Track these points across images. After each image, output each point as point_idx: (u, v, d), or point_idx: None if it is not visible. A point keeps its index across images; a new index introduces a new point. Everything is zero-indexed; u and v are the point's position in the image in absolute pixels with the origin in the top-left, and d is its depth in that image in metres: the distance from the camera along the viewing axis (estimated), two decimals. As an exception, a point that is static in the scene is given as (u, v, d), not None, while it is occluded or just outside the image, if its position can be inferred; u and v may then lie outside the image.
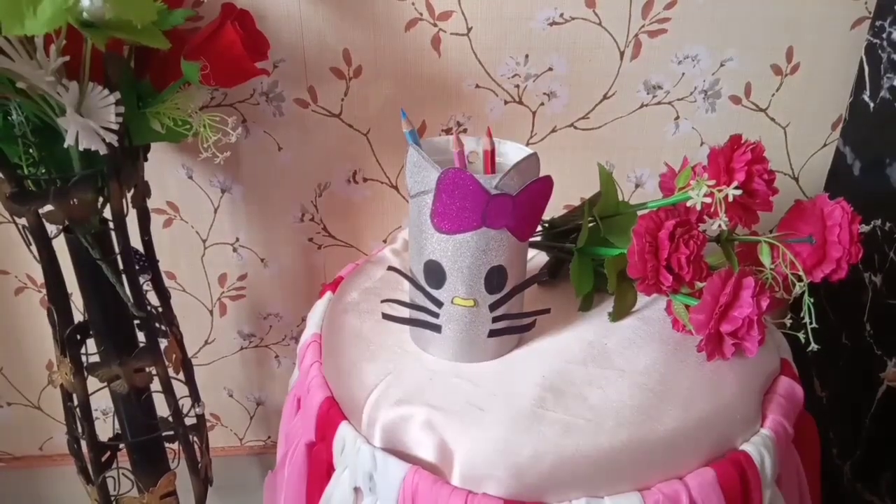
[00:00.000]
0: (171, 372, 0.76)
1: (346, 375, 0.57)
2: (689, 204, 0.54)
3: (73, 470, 0.80)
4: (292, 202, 0.89)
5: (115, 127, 0.58)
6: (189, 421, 0.82)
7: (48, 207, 0.63)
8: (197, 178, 0.86)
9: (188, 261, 0.91)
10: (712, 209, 0.53)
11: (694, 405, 0.52)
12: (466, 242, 0.51)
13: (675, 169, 0.66)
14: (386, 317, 0.58)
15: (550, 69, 0.82)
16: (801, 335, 0.56)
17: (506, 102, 0.84)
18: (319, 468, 0.56)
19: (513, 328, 0.57)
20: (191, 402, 0.83)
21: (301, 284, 0.94)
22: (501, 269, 0.53)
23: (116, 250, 0.68)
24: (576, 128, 0.86)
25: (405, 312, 0.58)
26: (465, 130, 0.85)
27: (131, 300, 0.69)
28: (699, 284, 0.55)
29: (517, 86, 0.83)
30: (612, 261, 0.59)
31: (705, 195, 0.53)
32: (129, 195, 0.69)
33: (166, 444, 0.83)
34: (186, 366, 0.82)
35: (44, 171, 0.63)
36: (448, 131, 0.85)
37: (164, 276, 0.91)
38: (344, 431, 0.54)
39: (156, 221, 0.88)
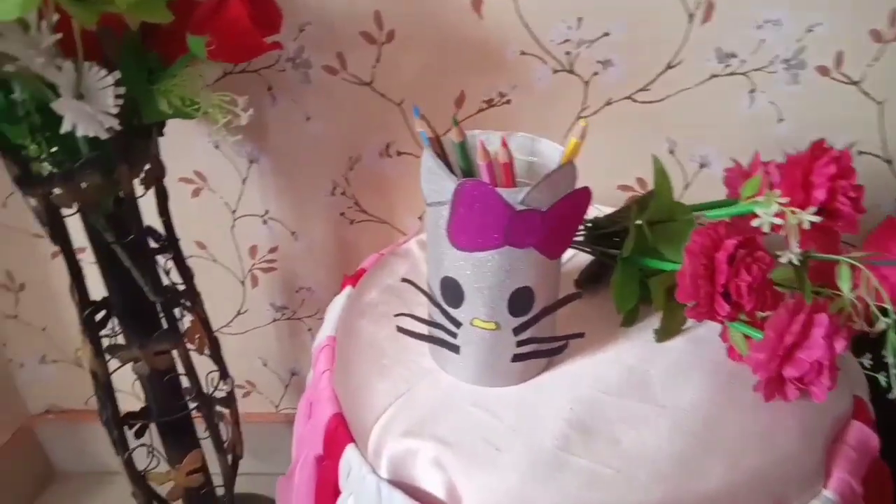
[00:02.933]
0: (195, 352, 0.74)
1: (355, 392, 0.51)
2: (754, 224, 0.44)
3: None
4: (322, 175, 0.82)
5: (114, 111, 0.52)
6: (220, 394, 0.80)
7: (58, 189, 0.59)
8: (224, 148, 0.81)
9: (218, 231, 0.87)
10: (783, 232, 0.43)
11: (744, 458, 0.45)
12: (487, 262, 0.44)
13: (743, 165, 0.56)
14: (401, 330, 0.52)
15: (606, 34, 0.71)
16: (881, 377, 0.47)
17: (555, 71, 0.74)
18: (327, 486, 0.52)
19: (540, 352, 0.50)
20: (218, 379, 0.81)
21: (333, 260, 0.89)
22: (527, 291, 0.46)
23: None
24: (634, 100, 0.75)
25: (423, 326, 0.52)
26: (508, 102, 0.76)
27: (146, 285, 0.65)
28: (762, 314, 0.47)
29: (568, 53, 0.73)
30: (659, 279, 0.51)
31: (775, 214, 0.43)
32: (141, 175, 0.64)
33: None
34: (213, 343, 0.79)
35: (51, 153, 0.59)
36: (490, 103, 0.76)
37: (195, 245, 0.88)
38: (350, 455, 0.49)
39: (184, 191, 0.84)
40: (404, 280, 0.52)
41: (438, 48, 0.73)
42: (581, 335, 0.50)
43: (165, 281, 0.73)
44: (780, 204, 0.43)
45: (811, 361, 0.43)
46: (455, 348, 0.49)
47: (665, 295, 0.52)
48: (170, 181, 0.82)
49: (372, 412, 0.49)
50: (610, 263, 0.57)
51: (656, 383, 0.50)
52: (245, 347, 0.97)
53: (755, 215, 0.47)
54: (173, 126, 0.65)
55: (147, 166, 0.64)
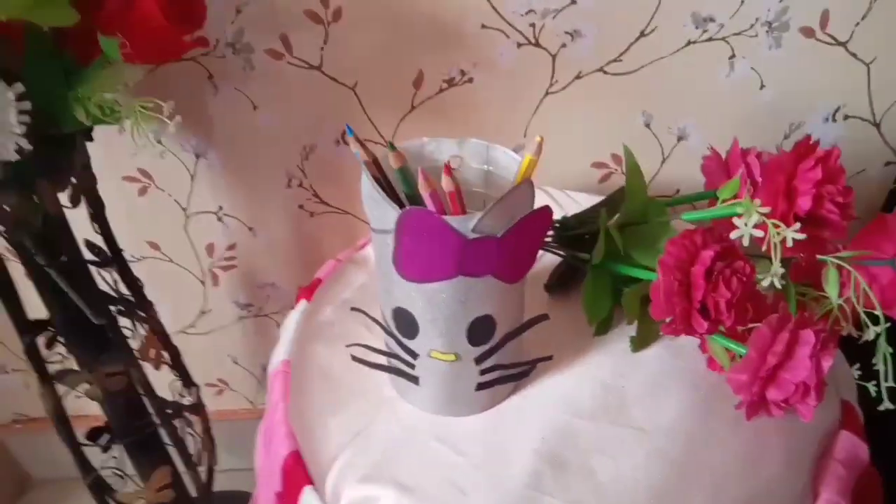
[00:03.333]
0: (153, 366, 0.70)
1: (311, 428, 0.47)
2: (732, 236, 0.40)
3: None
4: (276, 167, 0.76)
5: (19, 129, 0.47)
6: (187, 401, 0.77)
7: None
8: (167, 143, 0.75)
9: (171, 231, 0.82)
10: (764, 247, 0.39)
11: (727, 487, 0.42)
12: (440, 292, 0.40)
13: (721, 153, 0.52)
14: (357, 360, 0.48)
15: (573, 2, 0.65)
16: (871, 387, 0.44)
17: (519, 45, 0.68)
18: (288, 524, 0.49)
19: (506, 377, 0.46)
20: (182, 388, 0.77)
21: (295, 254, 0.84)
22: (488, 319, 0.42)
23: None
24: (605, 73, 0.70)
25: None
26: (470, 80, 0.70)
27: (87, 308, 0.60)
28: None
29: (532, 24, 0.67)
30: (632, 290, 0.46)
31: (756, 225, 0.39)
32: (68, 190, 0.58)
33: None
34: (172, 353, 0.75)
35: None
36: (450, 82, 0.70)
37: (147, 245, 0.83)
38: (308, 499, 0.45)
39: (129, 190, 0.78)
40: (354, 309, 0.47)
41: (391, 25, 0.67)
42: (549, 358, 0.46)
43: (115, 292, 0.68)
44: (761, 213, 0.38)
45: (796, 383, 0.40)
46: (414, 379, 0.45)
47: (640, 304, 0.48)
48: (112, 181, 0.77)
49: (329, 451, 0.45)
50: (580, 266, 0.53)
51: (633, 401, 0.47)
52: (213, 347, 0.93)
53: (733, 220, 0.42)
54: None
55: (74, 178, 0.58)
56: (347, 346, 0.47)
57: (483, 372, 0.44)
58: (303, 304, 0.58)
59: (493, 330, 0.42)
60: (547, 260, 0.57)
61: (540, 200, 0.39)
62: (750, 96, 0.71)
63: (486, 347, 0.43)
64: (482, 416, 0.46)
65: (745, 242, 0.39)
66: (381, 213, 0.39)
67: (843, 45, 0.68)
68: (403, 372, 0.45)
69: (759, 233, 0.38)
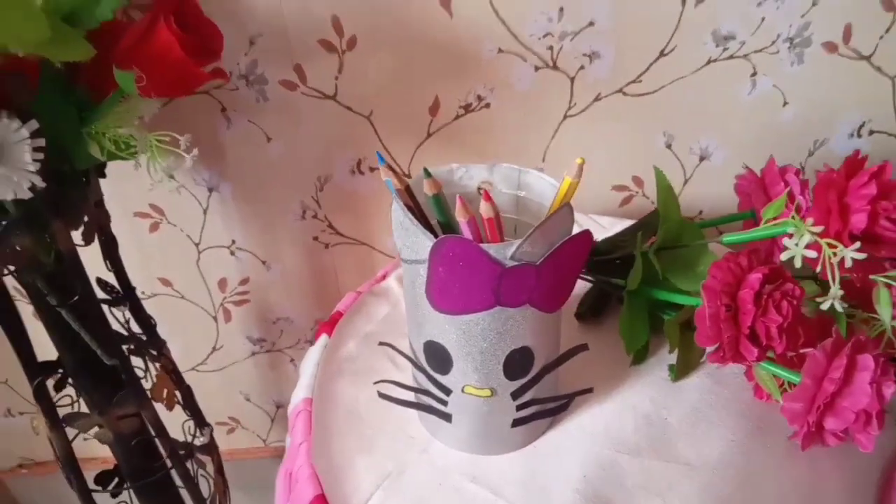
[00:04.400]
0: (165, 406, 0.67)
1: (337, 471, 0.45)
2: (783, 258, 0.38)
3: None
4: (290, 199, 0.75)
5: (33, 167, 0.45)
6: (200, 441, 0.74)
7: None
8: (179, 177, 0.74)
9: (183, 266, 0.80)
10: (818, 268, 0.37)
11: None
12: (476, 324, 0.38)
13: (756, 170, 0.50)
14: (384, 396, 0.46)
15: (591, 24, 0.64)
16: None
17: (536, 69, 0.67)
18: (315, 573, 0.46)
19: (544, 412, 0.44)
20: (195, 428, 0.75)
21: (310, 287, 0.82)
22: (525, 351, 0.40)
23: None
24: (625, 94, 0.69)
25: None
26: (487, 105, 0.69)
27: (98, 348, 0.58)
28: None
29: (550, 47, 0.66)
30: (673, 320, 0.45)
31: (808, 245, 0.37)
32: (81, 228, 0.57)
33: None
34: (185, 392, 0.73)
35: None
36: (467, 108, 0.69)
37: (158, 282, 0.82)
38: (336, 546, 0.43)
39: (141, 226, 0.77)
40: (383, 344, 0.45)
41: (406, 52, 0.66)
42: (589, 390, 0.44)
43: (127, 331, 0.67)
44: (813, 233, 0.36)
45: (856, 411, 0.38)
46: (447, 416, 0.43)
47: (680, 331, 0.46)
48: (124, 217, 0.75)
49: (358, 495, 0.43)
50: (613, 292, 0.51)
51: (678, 434, 0.45)
52: (225, 384, 0.91)
53: (779, 240, 0.40)
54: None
55: (87, 215, 0.57)
56: (375, 382, 0.45)
57: (520, 407, 0.42)
58: (323, 338, 0.56)
59: (531, 362, 0.40)
60: (577, 287, 0.55)
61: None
62: (773, 113, 0.70)
63: (523, 381, 0.41)
64: (519, 455, 0.44)
65: (797, 264, 0.37)
66: (413, 242, 0.37)
67: (867, 59, 0.67)
68: (435, 409, 0.43)
69: (811, 253, 0.36)
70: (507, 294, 0.36)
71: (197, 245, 0.78)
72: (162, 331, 0.85)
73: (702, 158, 0.73)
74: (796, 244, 0.37)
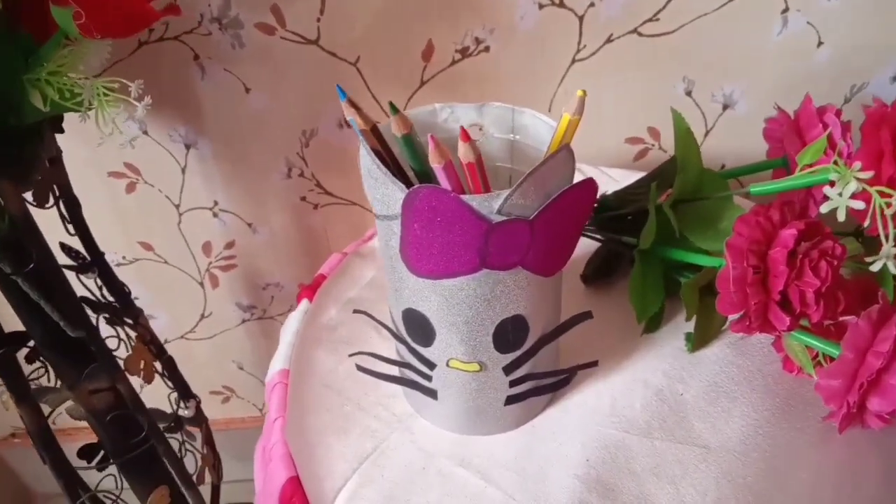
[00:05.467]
0: (143, 379, 0.64)
1: (312, 451, 0.41)
2: (823, 210, 0.32)
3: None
4: (274, 156, 0.70)
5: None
6: (188, 412, 0.71)
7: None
8: (153, 133, 0.69)
9: (164, 229, 0.76)
10: (867, 223, 0.31)
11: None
12: (460, 290, 0.33)
13: (789, 112, 0.44)
14: (362, 370, 0.41)
15: (602, -47, 0.58)
16: None
17: (541, 6, 0.60)
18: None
19: (541, 388, 0.39)
20: (178, 400, 0.71)
21: (300, 250, 0.77)
22: (518, 320, 0.35)
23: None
24: (640, 34, 0.62)
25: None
26: (487, 49, 0.63)
27: (62, 319, 0.54)
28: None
29: (556, -19, 0.60)
30: (691, 283, 0.39)
31: (853, 195, 0.31)
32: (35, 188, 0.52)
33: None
34: (167, 364, 0.69)
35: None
36: (465, 52, 0.63)
37: (139, 246, 0.77)
38: (310, 536, 0.39)
39: (117, 187, 0.72)
40: (358, 311, 0.41)
41: (394, -11, 0.60)
42: (594, 364, 0.39)
43: (98, 299, 0.62)
44: (860, 180, 0.30)
45: (906, 390, 0.32)
46: (432, 393, 0.38)
47: (699, 295, 0.41)
48: (98, 177, 0.71)
49: (333, 478, 0.39)
50: (624, 252, 0.46)
51: (694, 411, 0.40)
52: (216, 352, 0.87)
53: (814, 190, 0.35)
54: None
55: (40, 175, 0.52)
56: (351, 354, 0.40)
57: (513, 383, 0.37)
58: (304, 304, 0.51)
59: (526, 333, 0.35)
60: (583, 245, 0.50)
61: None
62: (805, 55, 0.63)
63: (516, 354, 0.36)
64: (513, 435, 0.40)
65: (841, 217, 0.31)
66: (384, 194, 0.32)
67: (915, -10, 0.60)
68: (419, 385, 0.39)
69: (858, 204, 0.31)
70: (494, 255, 0.31)
71: (177, 206, 0.74)
72: (146, 298, 0.81)
73: (725, 107, 0.67)
74: (839, 193, 0.31)
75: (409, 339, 0.37)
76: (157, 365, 0.68)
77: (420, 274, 0.33)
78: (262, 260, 0.78)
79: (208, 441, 0.75)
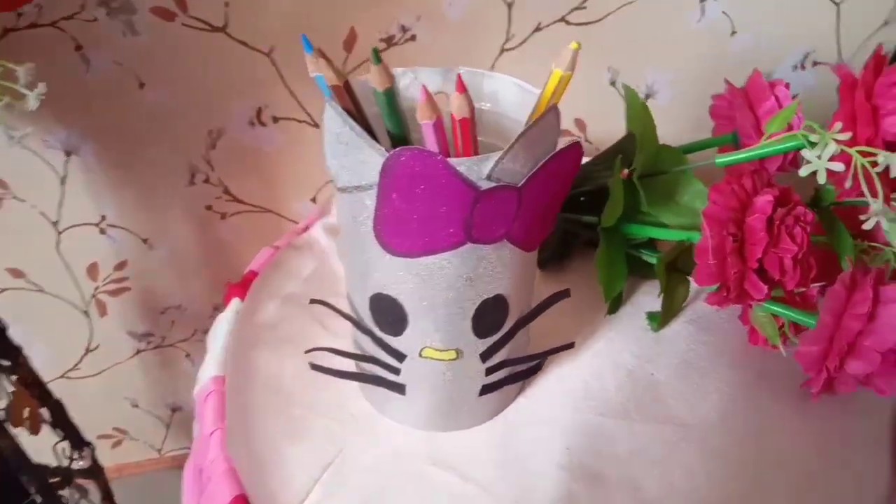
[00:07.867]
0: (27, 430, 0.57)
1: (262, 463, 0.38)
2: (802, 172, 0.34)
3: None
4: (174, 160, 0.66)
5: None
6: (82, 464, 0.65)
7: None
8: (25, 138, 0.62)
9: (39, 252, 0.69)
10: (849, 183, 0.34)
11: (808, 484, 0.36)
12: (440, 269, 0.32)
13: (735, 85, 0.47)
14: (317, 369, 0.39)
15: (528, -61, 0.60)
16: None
17: (468, -7, 0.62)
18: None
19: (515, 375, 0.39)
20: (71, 449, 0.65)
21: (204, 268, 0.73)
22: (500, 301, 0.34)
23: None
24: (568, 23, 0.64)
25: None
26: (413, 38, 0.63)
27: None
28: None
29: (482, -32, 0.61)
30: (663, 258, 0.41)
31: (832, 157, 0.33)
32: None
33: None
34: (54, 409, 0.62)
35: None
36: (390, 41, 0.63)
37: (7, 274, 0.70)
38: (268, 565, 0.36)
39: (-22, 205, 0.65)
40: (315, 301, 0.39)
41: (312, -27, 0.59)
42: (570, 346, 0.39)
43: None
44: (839, 142, 0.33)
45: (883, 352, 0.35)
46: (399, 388, 0.37)
47: (666, 268, 0.42)
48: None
49: (291, 491, 0.36)
50: (577, 233, 0.47)
51: (667, 390, 0.41)
52: (105, 390, 0.80)
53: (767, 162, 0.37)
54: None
55: None
56: (307, 351, 0.38)
57: (490, 371, 0.36)
58: (235, 303, 0.48)
59: (505, 315, 0.35)
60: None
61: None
62: (720, 44, 0.68)
63: (495, 338, 0.35)
64: (485, 428, 0.39)
65: (821, 179, 0.33)
66: (355, 161, 0.30)
67: (816, -18, 0.66)
68: (384, 380, 0.37)
69: (838, 166, 0.33)
70: (480, 226, 0.31)
71: (55, 224, 0.67)
72: (17, 334, 0.73)
73: (647, 97, 0.71)
74: (818, 156, 0.33)
75: (375, 330, 0.35)
76: (44, 412, 0.61)
77: (396, 252, 0.31)
78: (160, 280, 0.73)
79: (105, 493, 0.69)
